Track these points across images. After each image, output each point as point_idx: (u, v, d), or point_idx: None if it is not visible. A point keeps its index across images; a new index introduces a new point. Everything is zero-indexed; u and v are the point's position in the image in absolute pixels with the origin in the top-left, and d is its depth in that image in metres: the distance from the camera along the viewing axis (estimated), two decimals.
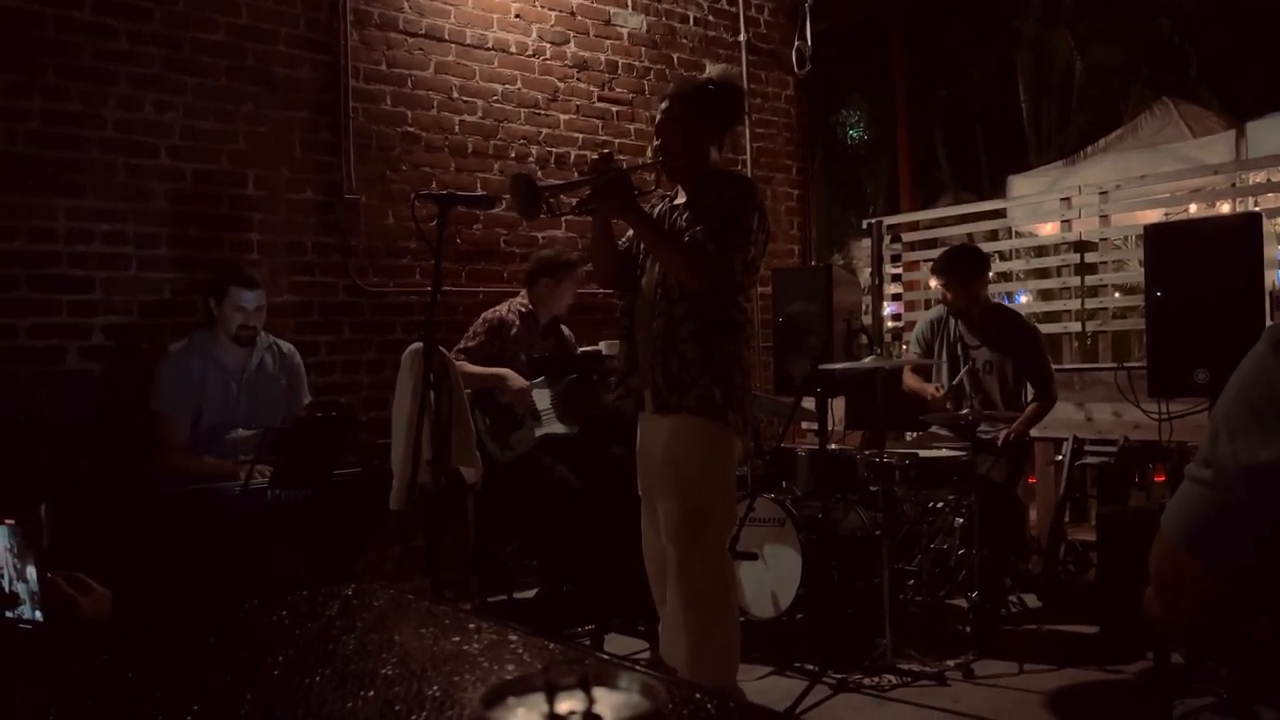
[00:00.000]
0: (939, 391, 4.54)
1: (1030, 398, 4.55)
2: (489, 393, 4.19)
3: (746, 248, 2.95)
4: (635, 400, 3.11)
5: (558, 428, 4.31)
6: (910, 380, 4.68)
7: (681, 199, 3.09)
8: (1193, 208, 7.03)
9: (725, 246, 2.90)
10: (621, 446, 3.80)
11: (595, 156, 3.05)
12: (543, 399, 4.30)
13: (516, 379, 4.23)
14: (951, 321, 4.64)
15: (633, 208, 2.94)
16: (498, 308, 4.44)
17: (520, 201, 2.86)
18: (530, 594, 4.67)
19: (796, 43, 6.27)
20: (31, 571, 1.47)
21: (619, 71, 5.59)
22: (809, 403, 4.18)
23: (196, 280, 4.09)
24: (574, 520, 4.14)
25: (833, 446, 4.28)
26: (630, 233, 3.14)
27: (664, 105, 3.07)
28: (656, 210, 3.13)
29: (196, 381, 3.77)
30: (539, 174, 5.17)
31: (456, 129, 4.99)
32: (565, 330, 4.63)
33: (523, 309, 4.43)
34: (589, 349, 4.61)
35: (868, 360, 3.87)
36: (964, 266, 4.51)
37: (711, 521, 2.98)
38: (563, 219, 5.01)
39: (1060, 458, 5.06)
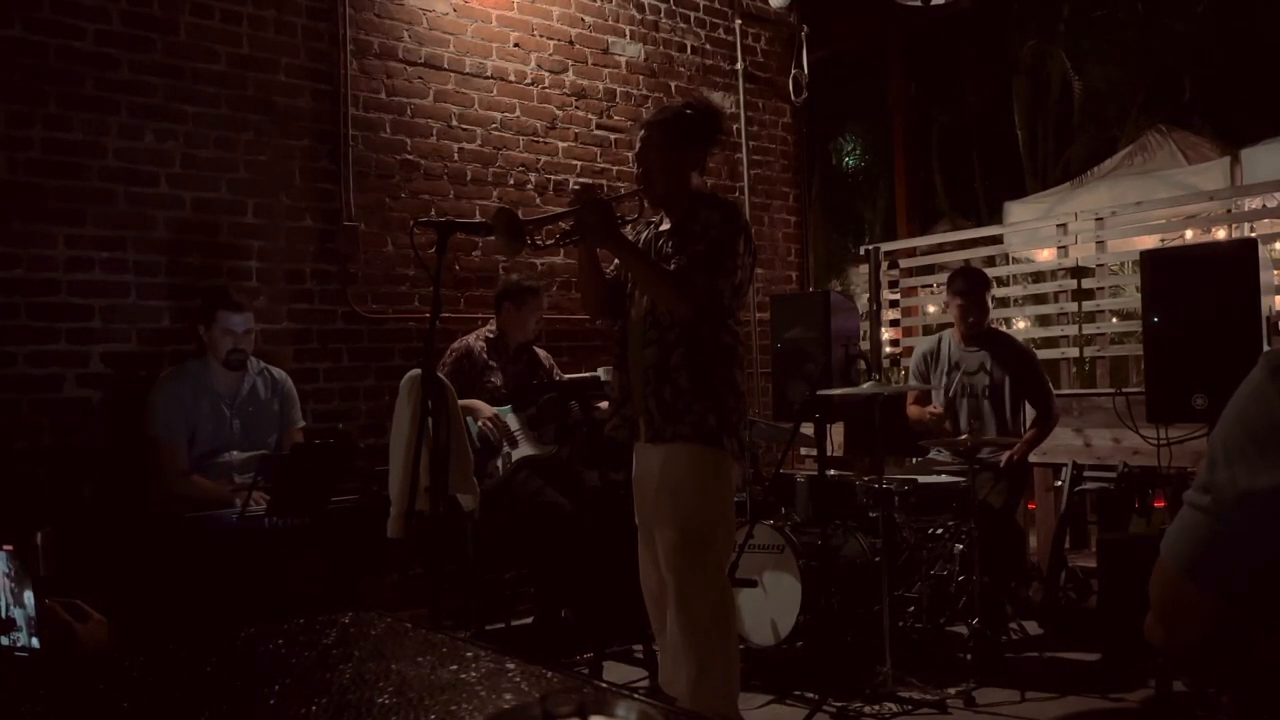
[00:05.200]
0: (938, 409, 4.56)
1: (1029, 423, 4.55)
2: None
3: (734, 272, 2.94)
4: (630, 429, 3.10)
5: (534, 449, 4.32)
6: (913, 410, 4.71)
7: (666, 225, 3.09)
8: (1188, 234, 7.07)
9: (712, 272, 2.90)
10: (620, 472, 3.80)
11: (576, 186, 3.06)
12: (514, 422, 4.32)
13: (486, 408, 4.26)
14: (944, 351, 4.67)
15: (615, 237, 2.93)
16: (465, 337, 4.49)
17: (503, 237, 2.86)
18: (528, 621, 4.65)
19: (793, 71, 6.32)
20: (29, 598, 1.46)
21: (617, 100, 5.62)
22: (808, 428, 4.18)
23: (195, 308, 4.09)
24: (567, 546, 4.13)
25: (831, 472, 4.27)
26: (617, 261, 3.14)
27: (641, 133, 3.08)
28: (642, 237, 3.13)
29: (189, 407, 3.78)
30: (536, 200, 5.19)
31: (455, 157, 5.01)
32: (540, 353, 4.66)
33: (490, 335, 4.49)
34: (586, 375, 4.61)
35: (866, 386, 3.87)
36: (979, 284, 4.61)
37: (711, 549, 2.96)
38: (561, 247, 5.03)
39: (1059, 483, 5.05)
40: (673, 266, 2.93)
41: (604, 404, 3.96)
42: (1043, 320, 6.33)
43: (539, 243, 3.08)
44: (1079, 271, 5.67)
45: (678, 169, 3.03)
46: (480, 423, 4.23)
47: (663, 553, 2.98)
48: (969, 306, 4.56)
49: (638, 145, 3.08)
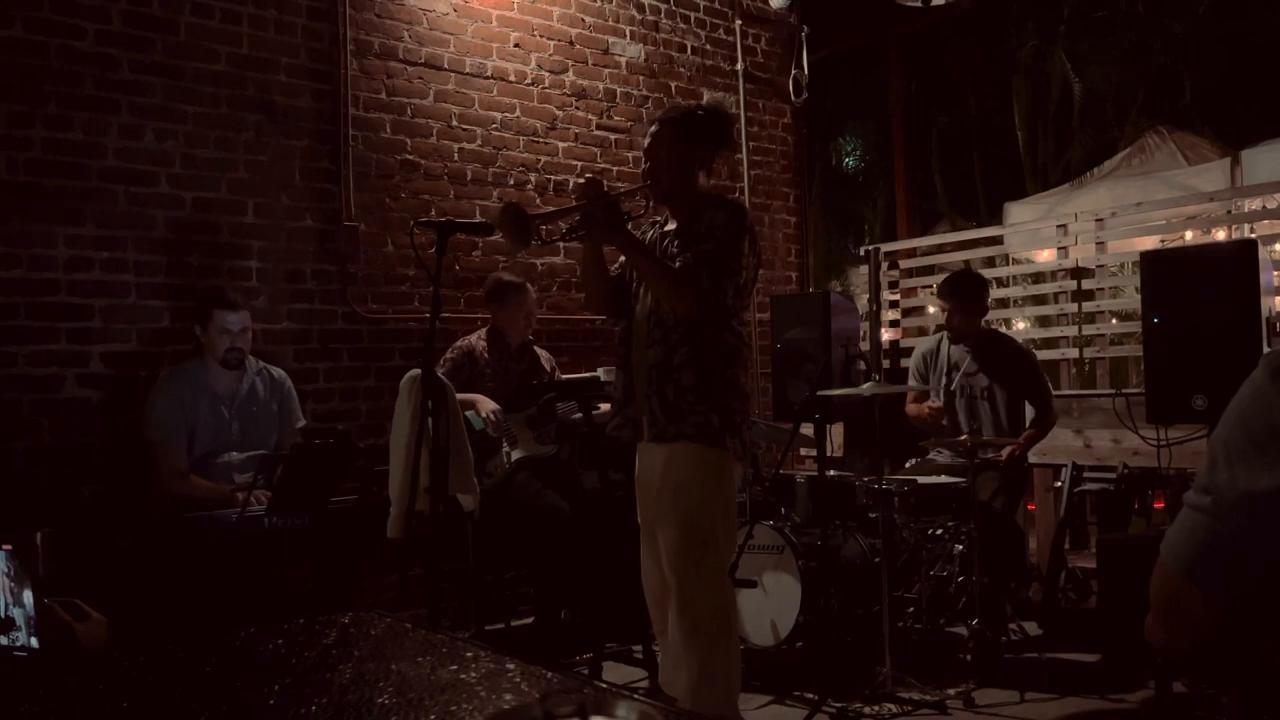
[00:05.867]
0: (937, 405, 4.55)
1: (1029, 422, 4.55)
2: (464, 420, 4.21)
3: (738, 272, 2.95)
4: (633, 429, 3.10)
5: (534, 450, 4.32)
6: (911, 408, 4.71)
7: (672, 225, 3.09)
8: (1188, 235, 7.07)
9: (716, 272, 2.91)
10: (620, 472, 3.80)
11: (582, 181, 3.05)
12: (515, 422, 4.32)
13: (488, 403, 4.26)
14: (944, 352, 4.67)
15: (622, 233, 2.94)
16: (466, 337, 4.50)
17: (510, 231, 2.86)
18: (528, 621, 4.65)
19: (793, 71, 6.32)
20: (28, 597, 1.46)
21: (617, 100, 5.62)
22: (808, 429, 4.18)
23: (192, 308, 4.09)
24: (566, 546, 4.13)
25: (832, 473, 4.27)
26: (623, 259, 3.14)
27: (653, 129, 3.09)
28: (648, 236, 3.14)
29: (188, 408, 3.78)
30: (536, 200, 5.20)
31: (455, 157, 5.01)
32: (541, 354, 4.66)
33: (490, 335, 4.48)
34: (586, 375, 4.62)
35: (866, 386, 3.87)
36: (967, 291, 4.57)
37: (713, 549, 2.97)
38: (561, 246, 5.03)
39: (1059, 484, 5.05)
40: (678, 265, 2.94)
41: (604, 406, 3.96)
42: (1042, 321, 6.33)
43: (545, 239, 3.09)
44: (1079, 272, 5.67)
45: (685, 168, 3.04)
46: (485, 415, 4.22)
47: (665, 552, 2.98)
48: (952, 313, 4.57)
49: (647, 141, 3.09)
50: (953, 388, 4.60)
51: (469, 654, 1.24)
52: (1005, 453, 4.36)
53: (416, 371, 3.49)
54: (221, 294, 3.93)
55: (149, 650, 1.34)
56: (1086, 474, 4.83)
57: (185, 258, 4.22)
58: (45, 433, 3.87)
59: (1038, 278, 6.41)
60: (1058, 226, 5.92)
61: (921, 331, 6.28)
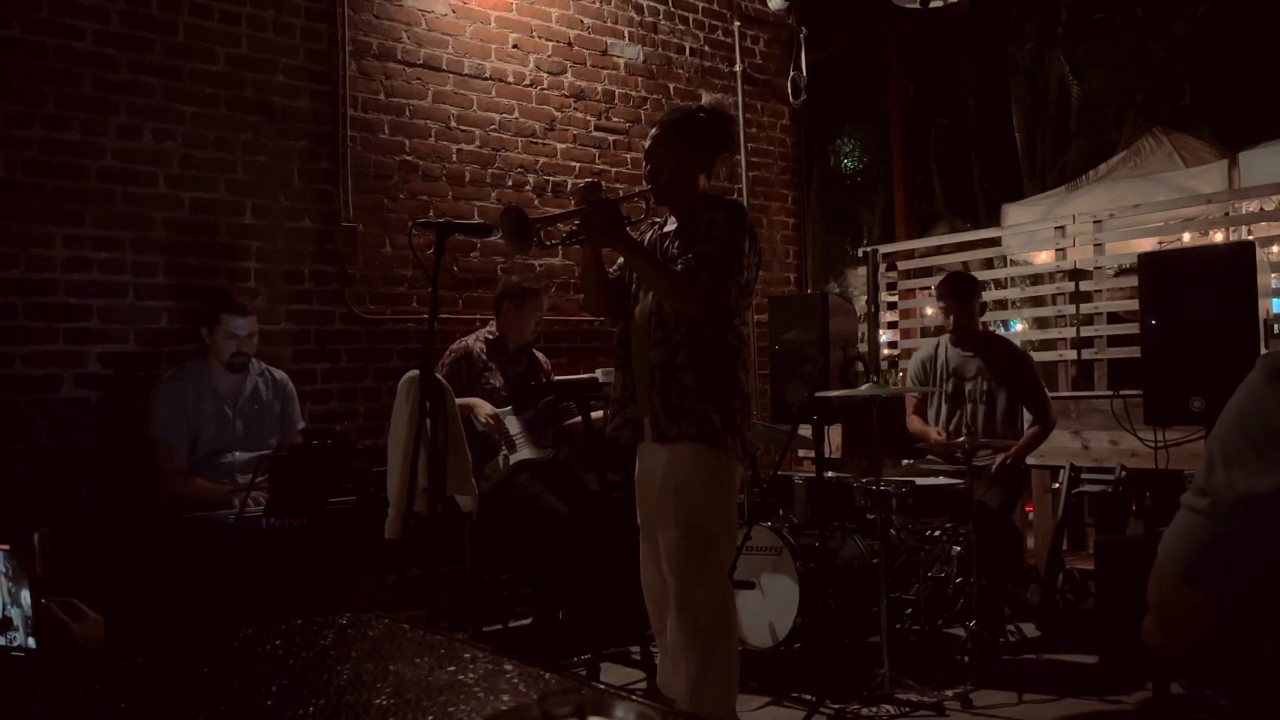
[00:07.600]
0: (941, 435, 4.56)
1: (1028, 425, 4.55)
2: (465, 422, 4.21)
3: (739, 272, 2.95)
4: (633, 430, 3.10)
5: (532, 453, 4.32)
6: (915, 424, 4.71)
7: (672, 226, 3.10)
8: (1186, 236, 7.08)
9: (718, 272, 2.91)
10: (618, 474, 3.80)
11: (581, 184, 3.06)
12: (514, 425, 4.31)
13: (486, 406, 4.26)
14: (942, 356, 4.69)
15: (622, 236, 2.94)
16: (464, 338, 4.49)
17: (512, 235, 2.87)
18: (526, 622, 4.65)
19: (792, 73, 6.31)
20: (26, 597, 1.46)
21: (615, 101, 5.62)
22: (806, 430, 4.17)
23: (193, 309, 4.09)
24: (565, 548, 4.13)
25: (830, 474, 4.27)
26: (621, 261, 3.14)
27: (654, 131, 3.09)
28: (647, 238, 3.14)
29: (191, 409, 3.78)
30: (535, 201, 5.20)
31: (454, 158, 5.01)
32: (538, 355, 4.66)
33: (489, 336, 4.50)
34: (585, 376, 4.61)
35: (864, 388, 3.87)
36: (966, 288, 4.63)
37: (713, 549, 2.97)
38: (560, 248, 5.03)
39: (1057, 486, 5.06)
40: (679, 267, 2.94)
41: (600, 414, 3.95)
42: (1040, 323, 6.34)
43: (545, 242, 3.09)
44: (1077, 274, 5.67)
45: (686, 169, 3.04)
46: (483, 419, 4.23)
47: (665, 553, 2.99)
48: (949, 311, 4.60)
49: (649, 142, 3.09)
50: (952, 391, 4.61)
51: (467, 655, 1.24)
52: (996, 462, 4.36)
53: (415, 373, 3.49)
54: (229, 298, 3.92)
55: (147, 651, 1.34)
56: (1084, 475, 4.83)
57: (184, 258, 4.22)
58: (43, 433, 3.86)
59: (1036, 279, 6.41)
60: (1056, 228, 5.92)
61: (921, 333, 6.29)
